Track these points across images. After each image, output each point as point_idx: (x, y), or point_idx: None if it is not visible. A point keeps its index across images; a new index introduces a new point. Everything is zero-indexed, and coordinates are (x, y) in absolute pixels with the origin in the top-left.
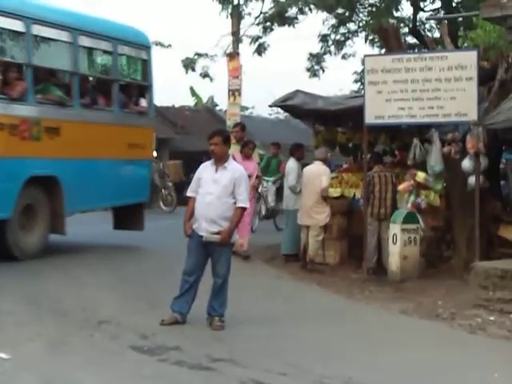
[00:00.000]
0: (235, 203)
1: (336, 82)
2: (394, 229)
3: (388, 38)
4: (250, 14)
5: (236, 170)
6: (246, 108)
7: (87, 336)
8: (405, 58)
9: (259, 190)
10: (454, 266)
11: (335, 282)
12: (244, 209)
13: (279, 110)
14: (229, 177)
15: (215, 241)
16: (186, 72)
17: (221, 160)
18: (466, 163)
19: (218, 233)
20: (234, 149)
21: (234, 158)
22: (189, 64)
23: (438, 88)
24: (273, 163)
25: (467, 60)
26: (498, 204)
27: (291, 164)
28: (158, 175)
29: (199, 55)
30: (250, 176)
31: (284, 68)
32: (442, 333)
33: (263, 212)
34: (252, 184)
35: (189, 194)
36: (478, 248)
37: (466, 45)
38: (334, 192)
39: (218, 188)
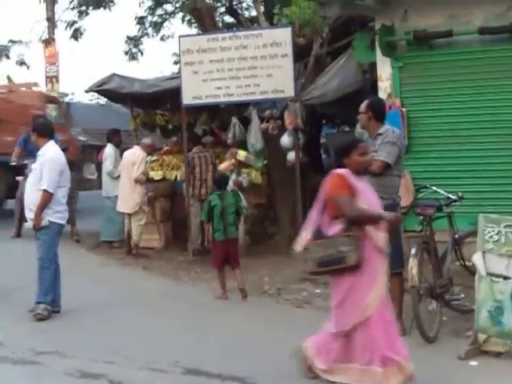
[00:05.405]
0: None
1: (157, 64)
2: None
3: (202, 18)
4: None
5: (44, 153)
6: (66, 94)
7: None
8: (220, 38)
9: None
10: (278, 242)
11: (161, 265)
12: (46, 191)
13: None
14: (39, 163)
15: (31, 227)
16: (0, 60)
17: (39, 148)
18: (285, 139)
19: None
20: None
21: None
22: (3, 51)
23: (254, 66)
24: None
25: (282, 37)
26: (319, 178)
27: (108, 150)
28: None
29: (13, 42)
30: None
31: (104, 52)
32: (269, 308)
33: None
34: None
35: None
36: (300, 223)
37: (282, 22)
38: (156, 175)
39: (32, 175)
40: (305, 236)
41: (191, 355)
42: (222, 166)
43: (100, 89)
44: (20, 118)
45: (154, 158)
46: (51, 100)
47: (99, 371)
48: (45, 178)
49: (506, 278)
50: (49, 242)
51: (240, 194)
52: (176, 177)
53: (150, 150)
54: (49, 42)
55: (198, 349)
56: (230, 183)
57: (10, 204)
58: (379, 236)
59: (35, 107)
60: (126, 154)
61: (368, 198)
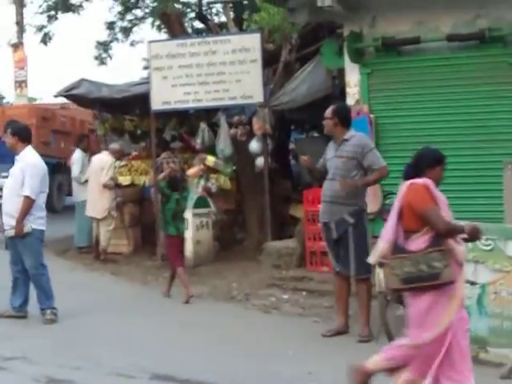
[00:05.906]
0: None
1: (126, 69)
2: (186, 214)
3: (171, 24)
4: (32, 1)
5: (24, 159)
6: (35, 99)
7: None
8: (189, 43)
9: None
10: (247, 248)
11: (130, 270)
12: (28, 198)
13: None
14: (18, 167)
15: (12, 235)
16: None
17: (15, 152)
18: (254, 145)
19: None
20: None
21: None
22: None
23: (223, 71)
24: None
25: (251, 43)
26: (288, 184)
27: (76, 155)
28: None
29: None
30: None
31: (74, 57)
32: (237, 314)
33: None
34: None
35: None
36: (269, 228)
37: (251, 28)
38: (124, 180)
39: (11, 181)
40: (382, 247)
41: (159, 360)
42: (191, 172)
43: (69, 94)
44: (78, 131)
45: (123, 163)
46: (96, 116)
47: (66, 377)
48: (27, 184)
49: (472, 283)
50: (35, 248)
51: (208, 199)
52: (145, 182)
53: (119, 155)
54: (17, 46)
55: (166, 354)
56: (199, 189)
57: None
58: (460, 249)
59: (88, 122)
60: (95, 159)
61: (446, 210)
